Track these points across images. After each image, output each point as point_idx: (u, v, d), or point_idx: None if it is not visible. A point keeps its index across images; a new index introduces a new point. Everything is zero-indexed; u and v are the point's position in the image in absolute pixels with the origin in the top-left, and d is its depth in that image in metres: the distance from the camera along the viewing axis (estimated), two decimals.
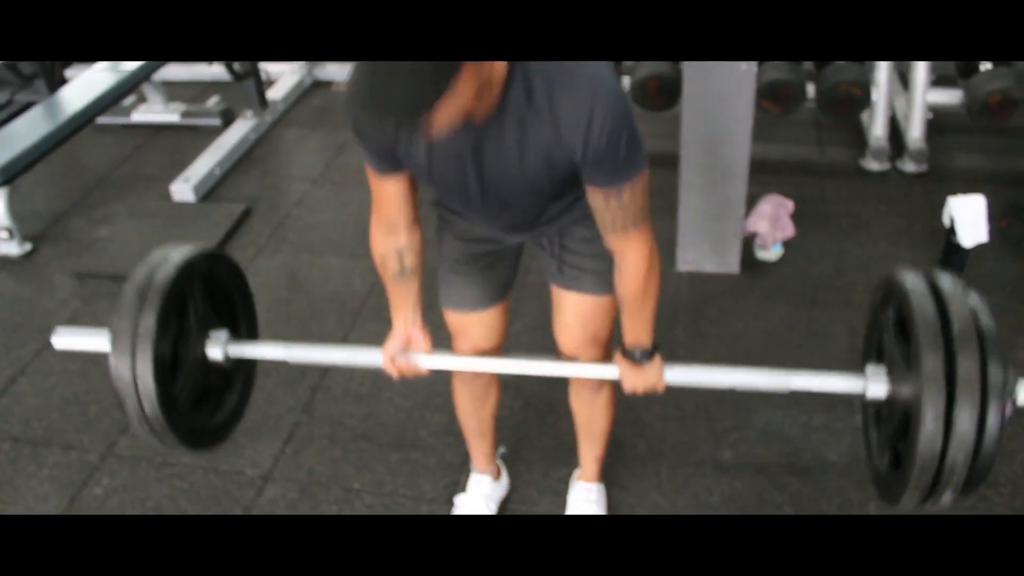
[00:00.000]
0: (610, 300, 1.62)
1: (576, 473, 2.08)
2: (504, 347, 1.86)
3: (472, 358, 1.75)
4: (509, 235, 1.58)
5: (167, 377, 1.68)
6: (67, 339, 1.84)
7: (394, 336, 1.62)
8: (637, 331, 1.53)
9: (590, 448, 1.96)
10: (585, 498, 2.02)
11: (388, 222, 1.50)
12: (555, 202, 1.47)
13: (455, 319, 1.71)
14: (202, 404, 1.82)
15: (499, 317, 1.72)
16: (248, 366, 1.93)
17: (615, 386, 1.81)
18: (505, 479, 2.12)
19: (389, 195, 1.46)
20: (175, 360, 1.71)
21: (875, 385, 1.46)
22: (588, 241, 1.55)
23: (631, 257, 1.43)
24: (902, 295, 1.41)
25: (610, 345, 1.73)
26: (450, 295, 1.68)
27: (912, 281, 1.40)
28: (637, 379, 1.58)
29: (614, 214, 1.36)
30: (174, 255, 1.70)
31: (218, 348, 1.75)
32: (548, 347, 1.77)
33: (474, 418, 1.94)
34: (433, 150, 1.31)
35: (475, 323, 1.70)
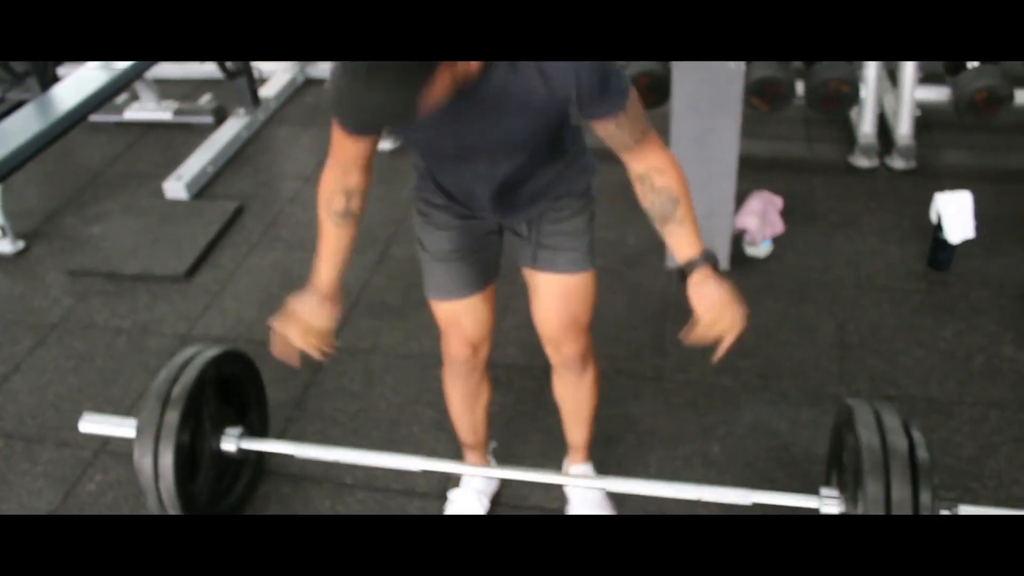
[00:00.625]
0: (586, 279, 1.68)
1: (567, 460, 2.10)
2: (496, 344, 1.88)
3: (482, 468, 1.97)
4: (497, 213, 1.62)
5: (186, 475, 1.85)
6: (94, 426, 2.00)
7: (313, 290, 1.58)
8: (694, 234, 1.52)
9: (579, 432, 1.98)
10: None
11: (344, 165, 1.52)
12: (537, 171, 1.53)
13: (446, 309, 1.73)
14: (215, 493, 1.99)
15: (487, 304, 1.76)
16: (257, 455, 2.12)
17: (598, 367, 1.85)
18: None
19: (353, 148, 1.49)
20: (193, 455, 1.89)
21: (828, 506, 1.74)
22: (564, 220, 1.62)
23: (658, 157, 1.46)
24: (854, 427, 1.67)
25: (591, 330, 1.76)
26: (439, 285, 1.71)
27: (863, 416, 1.68)
28: (719, 302, 1.57)
29: (625, 130, 1.42)
30: (196, 359, 1.91)
31: (232, 443, 1.96)
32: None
33: (467, 415, 1.96)
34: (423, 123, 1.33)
35: (465, 311, 1.73)
